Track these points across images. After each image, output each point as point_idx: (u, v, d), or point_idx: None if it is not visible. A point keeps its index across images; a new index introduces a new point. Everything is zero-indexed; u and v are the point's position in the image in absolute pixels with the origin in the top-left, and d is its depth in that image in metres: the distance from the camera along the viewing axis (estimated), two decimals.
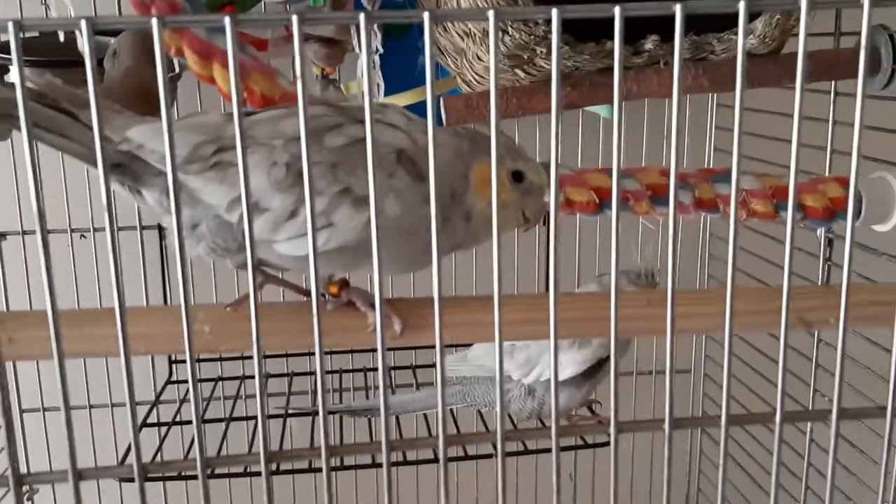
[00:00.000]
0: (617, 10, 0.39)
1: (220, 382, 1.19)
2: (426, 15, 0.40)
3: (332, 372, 1.23)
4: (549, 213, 0.45)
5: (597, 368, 0.90)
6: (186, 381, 1.18)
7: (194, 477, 0.44)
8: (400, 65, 0.96)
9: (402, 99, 0.92)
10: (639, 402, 1.22)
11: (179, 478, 1.02)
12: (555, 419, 0.47)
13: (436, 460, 0.44)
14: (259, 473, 0.44)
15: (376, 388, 1.21)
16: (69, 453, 0.44)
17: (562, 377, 0.89)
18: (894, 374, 0.46)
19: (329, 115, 0.52)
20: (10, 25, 0.37)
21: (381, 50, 0.92)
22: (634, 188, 0.69)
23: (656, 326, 0.51)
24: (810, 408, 0.91)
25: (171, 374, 1.19)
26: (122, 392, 0.43)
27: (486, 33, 0.79)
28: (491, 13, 0.41)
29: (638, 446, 1.24)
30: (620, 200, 0.69)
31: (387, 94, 0.94)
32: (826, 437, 0.48)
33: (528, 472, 1.22)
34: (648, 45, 0.80)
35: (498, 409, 0.45)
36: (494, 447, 0.45)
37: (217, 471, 0.94)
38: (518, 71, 0.83)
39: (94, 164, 0.43)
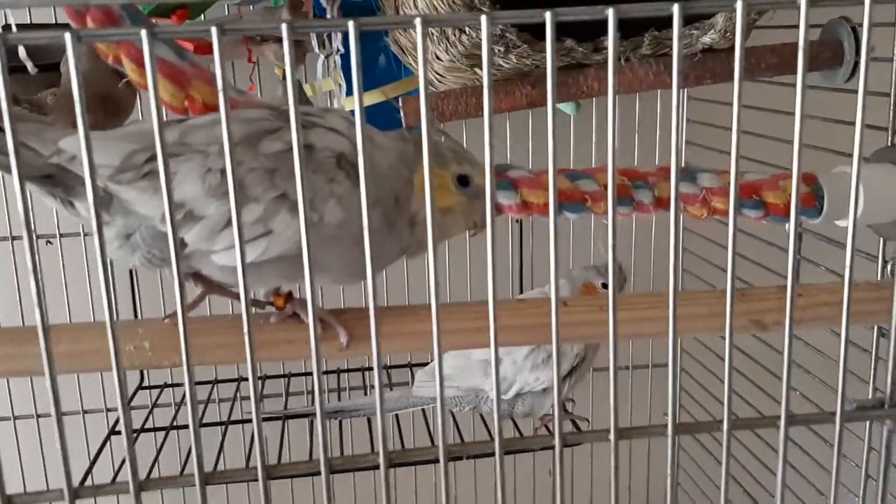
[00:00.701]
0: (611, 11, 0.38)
1: (216, 385, 1.18)
2: (351, 24, 0.39)
3: (329, 372, 1.22)
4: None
5: (572, 370, 0.90)
6: (158, 387, 1.17)
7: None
8: (362, 64, 0.95)
9: (365, 98, 0.91)
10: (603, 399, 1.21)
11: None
12: (497, 429, 0.46)
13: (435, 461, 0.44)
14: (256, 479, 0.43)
15: (373, 387, 1.21)
16: (65, 474, 0.43)
17: (539, 388, 0.90)
18: (842, 381, 0.45)
19: (268, 118, 0.51)
20: None
21: (342, 50, 0.91)
22: (592, 189, 0.68)
23: (604, 331, 0.50)
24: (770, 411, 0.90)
25: (142, 379, 1.18)
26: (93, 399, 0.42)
27: (442, 32, 0.78)
28: (418, 20, 0.40)
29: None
30: (578, 202, 0.68)
31: (349, 93, 0.92)
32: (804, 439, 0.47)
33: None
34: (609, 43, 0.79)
35: (496, 420, 0.44)
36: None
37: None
38: (477, 70, 0.82)
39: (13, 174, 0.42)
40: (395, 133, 0.55)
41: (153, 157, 0.48)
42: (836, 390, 0.46)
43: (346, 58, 0.93)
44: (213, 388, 1.17)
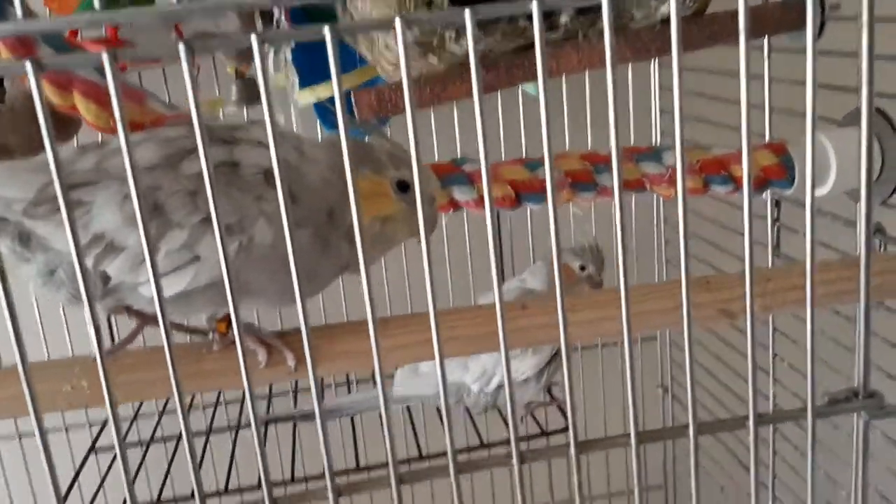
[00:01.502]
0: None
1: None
2: (327, 30, 0.36)
3: None
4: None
5: (553, 355, 0.87)
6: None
7: None
8: (314, 56, 0.92)
9: (317, 91, 0.88)
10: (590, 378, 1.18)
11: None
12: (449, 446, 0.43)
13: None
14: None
15: (359, 382, 1.19)
16: None
17: (521, 379, 0.88)
18: (810, 374, 0.43)
19: (188, 136, 0.48)
20: None
21: (293, 44, 0.87)
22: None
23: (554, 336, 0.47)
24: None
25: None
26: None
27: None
28: (398, 22, 0.37)
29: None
30: (539, 192, 0.65)
31: (301, 86, 0.89)
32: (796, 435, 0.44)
33: None
34: (564, 19, 0.76)
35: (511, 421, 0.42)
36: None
37: None
38: (431, 56, 0.79)
39: None
40: (327, 140, 0.52)
41: (70, 188, 0.45)
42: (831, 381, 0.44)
43: (297, 52, 0.90)
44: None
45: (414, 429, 0.98)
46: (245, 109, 0.97)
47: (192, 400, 1.14)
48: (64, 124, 0.89)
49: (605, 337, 0.77)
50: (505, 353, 0.42)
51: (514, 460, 0.43)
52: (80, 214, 0.45)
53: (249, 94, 0.96)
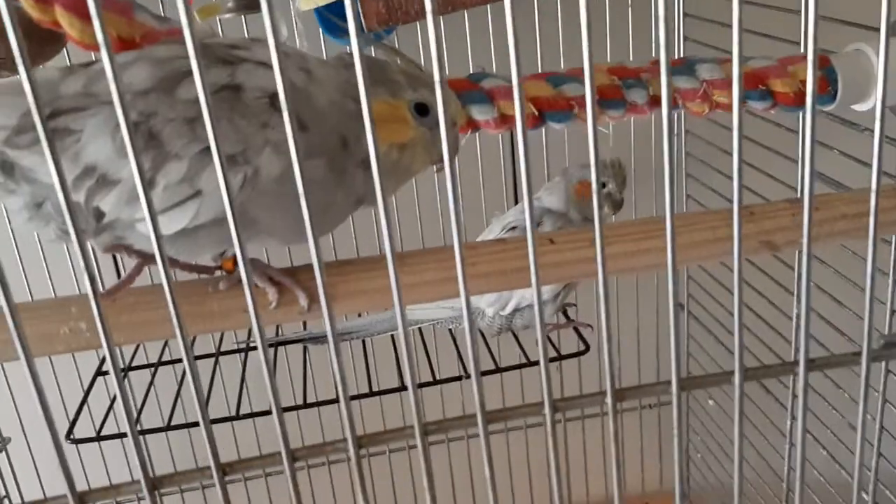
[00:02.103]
0: None
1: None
2: None
3: None
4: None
5: None
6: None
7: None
8: None
9: None
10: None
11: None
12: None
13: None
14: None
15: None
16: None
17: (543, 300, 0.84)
18: (868, 315, 0.39)
19: (185, 56, 0.43)
20: None
21: None
22: (579, 94, 0.61)
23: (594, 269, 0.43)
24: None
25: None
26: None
27: None
28: None
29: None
30: (564, 109, 0.61)
31: None
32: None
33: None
34: None
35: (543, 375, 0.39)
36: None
37: None
38: None
39: None
40: (335, 59, 0.47)
41: (54, 113, 0.41)
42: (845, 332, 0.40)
43: None
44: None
45: (427, 352, 0.95)
46: (244, 18, 0.91)
47: None
48: (47, 41, 0.83)
49: (639, 270, 0.74)
50: (537, 292, 0.39)
51: (547, 410, 0.40)
52: (69, 144, 0.41)
53: (248, 0, 0.89)
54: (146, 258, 0.48)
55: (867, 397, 0.41)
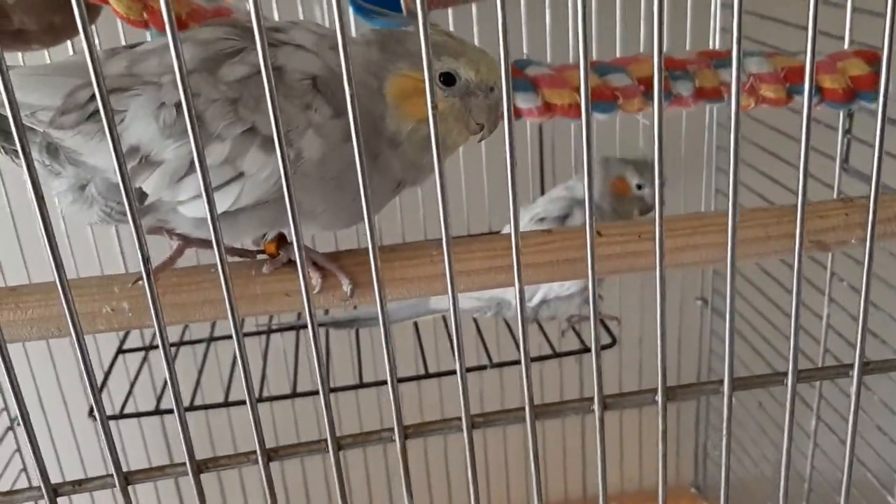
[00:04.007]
0: None
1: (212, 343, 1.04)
2: None
3: None
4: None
5: None
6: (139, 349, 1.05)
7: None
8: None
9: None
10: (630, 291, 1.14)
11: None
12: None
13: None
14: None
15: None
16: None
17: (565, 294, 0.86)
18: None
19: (229, 38, 0.42)
20: None
21: None
22: (624, 84, 0.60)
23: (644, 263, 0.43)
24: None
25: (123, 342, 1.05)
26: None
27: None
28: None
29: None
30: (608, 100, 0.60)
31: None
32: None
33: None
34: None
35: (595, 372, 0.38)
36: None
37: None
38: None
39: None
40: (359, 36, 0.46)
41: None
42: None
43: None
44: (208, 347, 1.03)
45: (451, 343, 0.95)
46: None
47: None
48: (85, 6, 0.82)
49: (687, 267, 0.73)
50: (592, 286, 0.38)
51: (596, 406, 0.39)
52: (114, 125, 0.40)
53: None
54: (188, 240, 0.47)
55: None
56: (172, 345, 1.03)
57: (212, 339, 1.02)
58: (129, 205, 0.34)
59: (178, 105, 0.40)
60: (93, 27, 0.77)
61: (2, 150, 0.44)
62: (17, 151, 0.43)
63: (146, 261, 0.34)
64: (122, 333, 1.07)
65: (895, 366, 0.41)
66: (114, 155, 0.33)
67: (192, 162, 0.40)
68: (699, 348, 1.23)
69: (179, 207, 0.42)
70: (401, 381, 0.89)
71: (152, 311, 0.35)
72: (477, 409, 0.40)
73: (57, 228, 0.90)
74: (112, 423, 0.89)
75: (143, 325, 0.44)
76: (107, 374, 0.94)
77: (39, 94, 0.41)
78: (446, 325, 0.99)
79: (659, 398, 0.40)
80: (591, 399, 0.39)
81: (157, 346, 1.04)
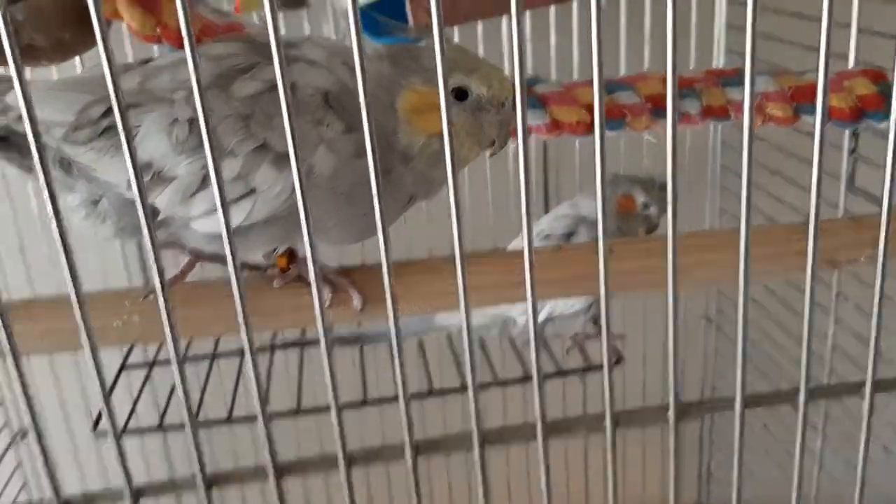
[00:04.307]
0: None
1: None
2: None
3: None
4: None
5: None
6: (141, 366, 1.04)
7: None
8: None
9: None
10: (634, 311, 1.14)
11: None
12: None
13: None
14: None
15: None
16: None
17: (570, 312, 0.85)
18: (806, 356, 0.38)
19: (240, 54, 0.42)
20: None
21: None
22: (633, 101, 0.60)
23: (655, 280, 0.43)
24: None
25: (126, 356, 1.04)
26: None
27: None
28: None
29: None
30: (617, 118, 0.60)
31: None
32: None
33: None
34: None
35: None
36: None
37: None
38: None
39: None
40: (370, 51, 0.46)
41: (111, 110, 0.41)
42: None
43: None
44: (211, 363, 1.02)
45: (456, 360, 0.95)
46: (282, 14, 0.91)
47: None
48: (90, 30, 0.83)
49: (695, 284, 0.73)
50: (605, 300, 0.38)
51: (608, 423, 0.39)
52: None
53: None
54: (198, 256, 0.47)
55: None
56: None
57: (215, 355, 1.02)
58: (146, 220, 0.34)
59: (191, 121, 0.40)
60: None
61: (16, 165, 0.44)
62: (30, 166, 0.44)
63: (162, 275, 0.34)
64: (124, 349, 1.07)
65: (843, 390, 0.41)
66: (131, 171, 0.33)
67: (205, 178, 0.41)
68: (703, 368, 1.23)
69: (191, 223, 0.43)
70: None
71: (166, 325, 0.35)
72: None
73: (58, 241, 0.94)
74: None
75: (153, 338, 0.44)
76: (110, 390, 0.94)
77: (52, 110, 0.41)
78: (450, 343, 0.99)
79: (671, 415, 0.40)
80: (602, 416, 0.39)
81: (160, 363, 1.04)
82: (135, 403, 0.93)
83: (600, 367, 0.92)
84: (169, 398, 0.93)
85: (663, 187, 0.81)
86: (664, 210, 0.81)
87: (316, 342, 0.92)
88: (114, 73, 0.32)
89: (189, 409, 0.38)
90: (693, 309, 1.19)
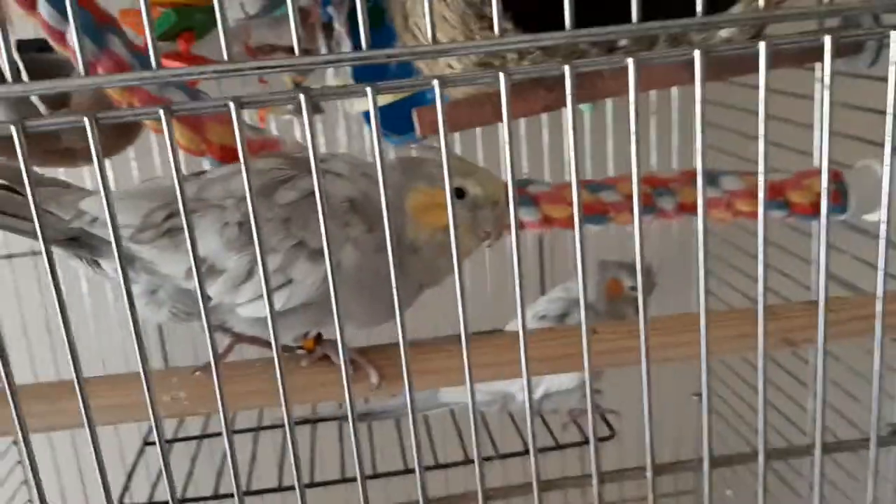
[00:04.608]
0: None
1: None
2: (369, 90, 0.39)
3: None
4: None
5: None
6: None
7: None
8: (374, 67, 0.93)
9: (378, 99, 0.90)
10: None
11: None
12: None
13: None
14: None
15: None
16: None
17: (565, 388, 0.91)
18: (876, 403, 0.45)
19: (280, 167, 0.50)
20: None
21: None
22: (614, 199, 0.68)
23: (634, 357, 0.49)
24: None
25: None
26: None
27: (454, 40, 0.77)
28: (436, 82, 0.40)
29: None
30: (600, 213, 0.68)
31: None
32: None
33: None
34: (623, 43, 0.78)
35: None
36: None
37: None
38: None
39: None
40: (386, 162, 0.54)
41: (172, 214, 0.49)
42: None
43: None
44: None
45: (460, 434, 1.00)
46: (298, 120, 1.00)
47: None
48: (123, 135, 0.92)
49: (674, 361, 0.79)
50: (589, 376, 0.44)
51: (595, 483, 0.45)
52: (184, 240, 0.48)
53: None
54: (240, 337, 0.54)
55: (876, 485, 0.46)
56: (194, 438, 1.09)
57: (261, 427, 1.07)
58: (204, 307, 0.41)
59: (239, 223, 0.48)
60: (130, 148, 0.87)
61: (84, 262, 0.51)
62: (97, 262, 0.51)
63: (216, 354, 0.41)
64: (144, 427, 1.12)
65: (850, 446, 0.47)
66: (193, 267, 0.40)
67: (250, 271, 0.48)
68: (695, 444, 1.28)
69: (237, 308, 0.50)
70: (409, 471, 0.95)
71: (218, 398, 0.42)
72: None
73: (85, 328, 1.01)
74: None
75: (197, 411, 0.51)
76: (133, 466, 0.99)
77: (122, 215, 0.48)
78: (454, 418, 1.04)
79: (649, 474, 0.46)
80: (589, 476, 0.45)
81: (181, 439, 1.09)
82: (157, 479, 0.97)
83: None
84: (189, 473, 0.98)
85: (648, 271, 0.88)
86: (649, 291, 0.88)
87: (321, 420, 0.99)
88: (181, 186, 0.39)
89: (237, 481, 0.43)
90: (685, 386, 1.24)
